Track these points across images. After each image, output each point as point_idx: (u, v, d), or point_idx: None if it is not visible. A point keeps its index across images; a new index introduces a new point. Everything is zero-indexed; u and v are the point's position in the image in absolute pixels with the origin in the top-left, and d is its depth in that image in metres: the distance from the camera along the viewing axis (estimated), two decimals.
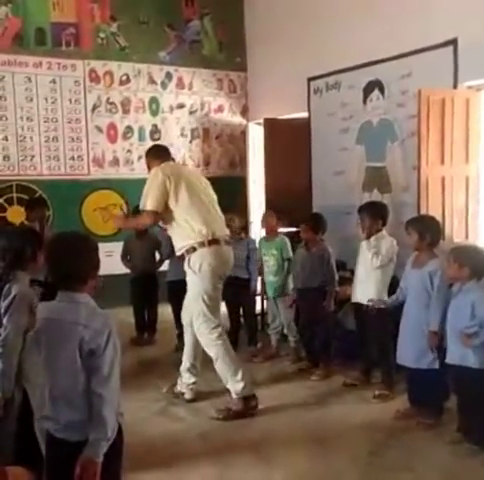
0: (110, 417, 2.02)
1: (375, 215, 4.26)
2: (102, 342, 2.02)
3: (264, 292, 5.51)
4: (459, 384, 3.38)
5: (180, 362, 5.04)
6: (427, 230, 3.67)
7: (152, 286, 5.69)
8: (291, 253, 5.04)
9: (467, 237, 4.87)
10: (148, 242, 5.70)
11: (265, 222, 5.22)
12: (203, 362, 4.39)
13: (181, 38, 7.33)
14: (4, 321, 2.70)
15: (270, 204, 6.18)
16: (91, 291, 2.18)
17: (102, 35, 6.89)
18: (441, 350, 3.55)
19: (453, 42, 4.82)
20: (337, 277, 4.71)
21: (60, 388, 2.07)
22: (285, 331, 5.09)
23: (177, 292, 4.79)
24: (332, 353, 4.74)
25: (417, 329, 3.65)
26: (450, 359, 3.36)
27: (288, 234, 5.24)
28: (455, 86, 4.86)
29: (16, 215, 6.41)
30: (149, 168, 4.12)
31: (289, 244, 5.07)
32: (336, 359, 4.78)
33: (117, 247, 5.67)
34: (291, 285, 4.99)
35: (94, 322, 2.05)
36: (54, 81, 6.67)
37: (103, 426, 2.00)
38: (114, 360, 2.06)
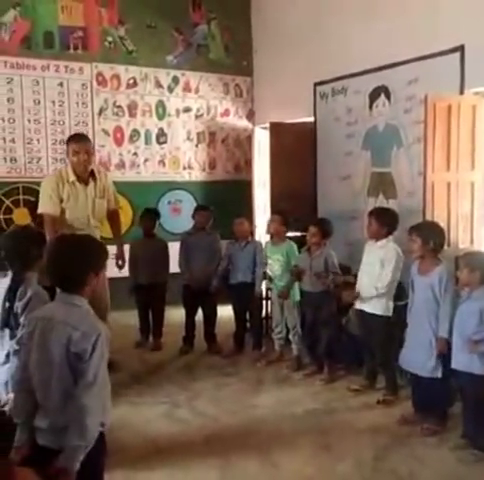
0: (91, 425, 1.99)
1: (382, 221, 4.27)
2: (89, 346, 2.01)
3: (269, 297, 5.52)
4: (465, 390, 3.39)
5: (185, 365, 5.10)
6: (430, 236, 3.68)
7: (160, 293, 5.54)
8: None
9: (472, 243, 4.87)
10: (156, 246, 5.60)
11: (270, 227, 5.17)
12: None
13: (188, 42, 7.35)
14: (21, 320, 2.75)
15: (275, 208, 6.18)
16: (90, 293, 2.19)
17: (110, 39, 6.91)
18: (446, 358, 3.56)
19: (460, 49, 4.83)
20: (341, 278, 4.70)
21: (48, 389, 2.06)
22: (290, 336, 5.06)
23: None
24: (336, 358, 4.75)
25: (423, 336, 3.66)
26: (456, 365, 3.37)
27: (293, 239, 5.23)
28: (462, 92, 4.86)
29: (22, 217, 6.45)
30: None
31: (296, 250, 5.00)
32: (341, 364, 4.79)
33: None
34: (298, 292, 4.96)
35: (83, 325, 2.05)
36: (61, 84, 6.70)
37: (82, 434, 1.97)
38: (99, 367, 2.03)
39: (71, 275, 2.12)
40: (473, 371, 3.27)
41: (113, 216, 5.02)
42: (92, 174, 4.61)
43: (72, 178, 4.49)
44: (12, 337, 2.82)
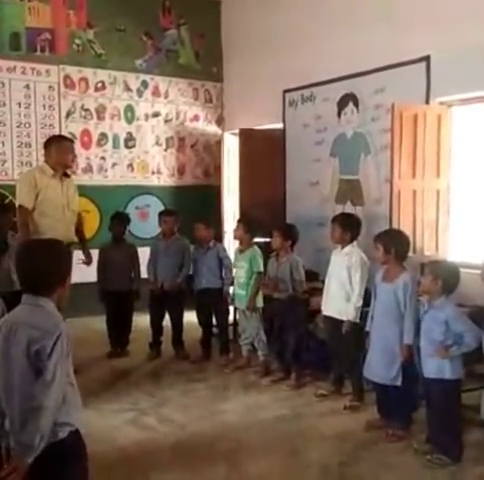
0: (45, 426, 1.97)
1: (345, 226, 4.32)
2: (49, 344, 2.00)
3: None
4: (433, 396, 3.41)
5: (153, 371, 5.05)
6: (392, 244, 3.72)
7: (129, 300, 5.48)
8: (261, 267, 4.94)
9: (437, 250, 4.95)
10: (126, 251, 5.53)
11: (236, 234, 5.17)
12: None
13: (158, 47, 7.32)
14: None
15: (244, 214, 6.20)
16: (60, 296, 2.17)
17: (78, 41, 6.84)
18: (408, 365, 3.59)
19: (426, 59, 4.93)
20: (304, 285, 4.72)
21: (12, 395, 2.04)
22: (254, 343, 5.05)
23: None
24: (304, 363, 4.76)
25: (384, 344, 3.69)
26: (427, 373, 3.39)
27: (261, 245, 5.24)
28: (427, 102, 4.95)
29: None
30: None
31: (260, 257, 4.97)
32: (308, 369, 4.81)
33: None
34: (261, 299, 4.97)
35: (44, 323, 2.04)
36: (28, 86, 6.60)
37: (35, 433, 1.95)
38: (58, 366, 2.01)
39: (45, 281, 2.11)
40: (444, 376, 3.31)
41: (79, 219, 5.09)
42: (65, 173, 4.90)
43: (50, 173, 4.75)
44: None
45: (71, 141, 5.15)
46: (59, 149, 4.77)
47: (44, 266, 2.12)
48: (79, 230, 5.09)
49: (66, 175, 4.88)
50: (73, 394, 2.13)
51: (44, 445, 1.99)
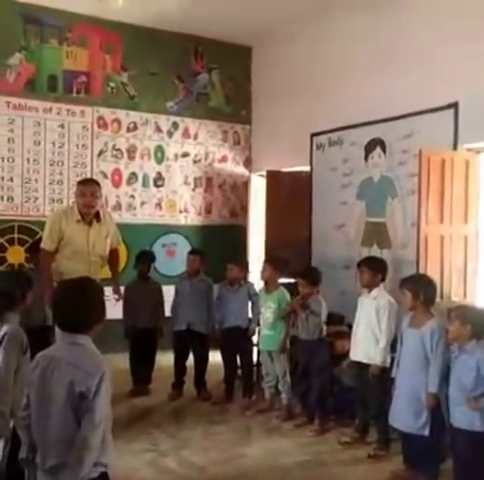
0: (88, 463, 2.00)
1: (375, 269, 4.30)
2: (93, 386, 2.01)
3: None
4: (460, 447, 3.31)
5: (174, 411, 5.01)
6: (420, 289, 3.67)
7: (154, 338, 5.51)
8: None
9: (465, 296, 4.87)
10: (151, 289, 5.59)
11: (264, 275, 5.14)
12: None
13: (189, 90, 7.52)
14: None
15: (269, 255, 6.21)
16: (95, 335, 2.21)
17: (112, 84, 7.06)
18: (435, 413, 3.50)
19: (454, 105, 4.96)
20: (325, 328, 4.66)
21: (45, 427, 2.05)
22: (279, 386, 4.97)
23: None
24: (328, 408, 4.67)
25: (410, 391, 3.60)
26: (456, 422, 3.30)
27: (286, 285, 5.21)
28: (455, 148, 4.96)
29: (16, 255, 6.44)
30: None
31: (288, 297, 4.96)
32: (332, 415, 4.72)
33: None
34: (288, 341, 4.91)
35: (86, 364, 2.06)
36: (62, 126, 6.80)
37: (79, 471, 1.98)
38: (103, 405, 2.04)
39: (83, 319, 2.16)
40: (474, 428, 3.21)
41: (112, 255, 5.01)
42: (97, 216, 4.74)
43: (76, 217, 4.64)
44: None
45: (91, 183, 4.91)
46: (77, 193, 4.74)
47: (82, 305, 2.17)
48: (112, 265, 5.03)
49: (98, 218, 4.73)
50: (109, 432, 2.14)
51: None
